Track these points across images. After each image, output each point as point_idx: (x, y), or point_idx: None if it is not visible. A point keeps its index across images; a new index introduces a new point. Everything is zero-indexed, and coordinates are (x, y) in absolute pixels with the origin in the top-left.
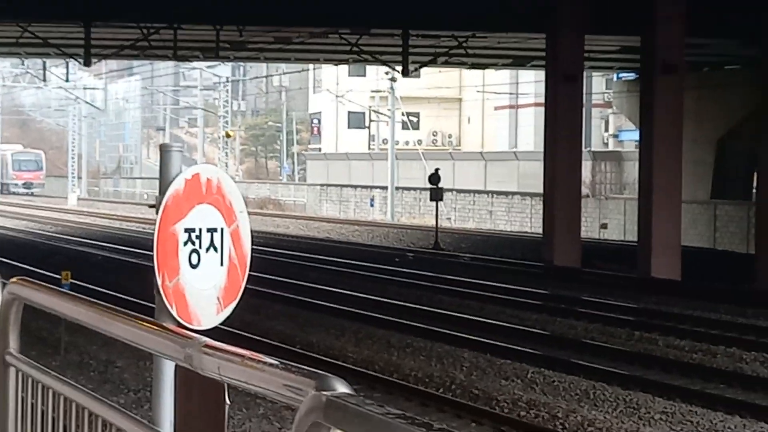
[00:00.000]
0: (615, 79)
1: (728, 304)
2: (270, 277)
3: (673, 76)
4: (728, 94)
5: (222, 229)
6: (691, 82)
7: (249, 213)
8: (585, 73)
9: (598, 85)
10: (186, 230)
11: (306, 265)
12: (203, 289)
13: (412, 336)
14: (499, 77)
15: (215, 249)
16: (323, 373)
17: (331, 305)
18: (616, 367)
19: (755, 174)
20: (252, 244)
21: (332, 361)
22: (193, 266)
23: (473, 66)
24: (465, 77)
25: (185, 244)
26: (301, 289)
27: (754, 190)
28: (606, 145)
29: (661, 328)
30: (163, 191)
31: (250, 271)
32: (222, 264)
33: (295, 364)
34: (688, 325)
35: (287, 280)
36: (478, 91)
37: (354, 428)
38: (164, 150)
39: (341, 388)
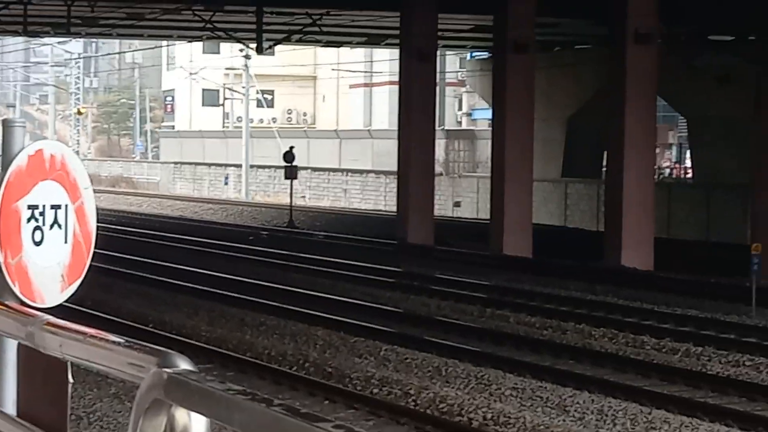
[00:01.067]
0: (468, 58)
1: (578, 281)
2: (122, 255)
3: (525, 55)
4: (579, 73)
5: (66, 206)
6: (542, 61)
7: (101, 191)
8: (439, 52)
9: (452, 64)
10: (29, 207)
11: (159, 244)
12: (47, 266)
13: (265, 314)
14: (354, 55)
15: (59, 226)
16: (165, 350)
17: (185, 284)
18: (467, 343)
19: (605, 152)
20: (99, 222)
21: (185, 340)
22: (37, 243)
23: (328, 44)
24: (320, 55)
25: (28, 221)
26: (153, 267)
27: (604, 169)
28: (459, 123)
29: (513, 305)
30: (5, 167)
31: (98, 248)
32: (66, 241)
33: (137, 342)
34: (539, 302)
35: (140, 259)
36: (333, 69)
37: (195, 405)
38: (6, 125)
39: (183, 365)
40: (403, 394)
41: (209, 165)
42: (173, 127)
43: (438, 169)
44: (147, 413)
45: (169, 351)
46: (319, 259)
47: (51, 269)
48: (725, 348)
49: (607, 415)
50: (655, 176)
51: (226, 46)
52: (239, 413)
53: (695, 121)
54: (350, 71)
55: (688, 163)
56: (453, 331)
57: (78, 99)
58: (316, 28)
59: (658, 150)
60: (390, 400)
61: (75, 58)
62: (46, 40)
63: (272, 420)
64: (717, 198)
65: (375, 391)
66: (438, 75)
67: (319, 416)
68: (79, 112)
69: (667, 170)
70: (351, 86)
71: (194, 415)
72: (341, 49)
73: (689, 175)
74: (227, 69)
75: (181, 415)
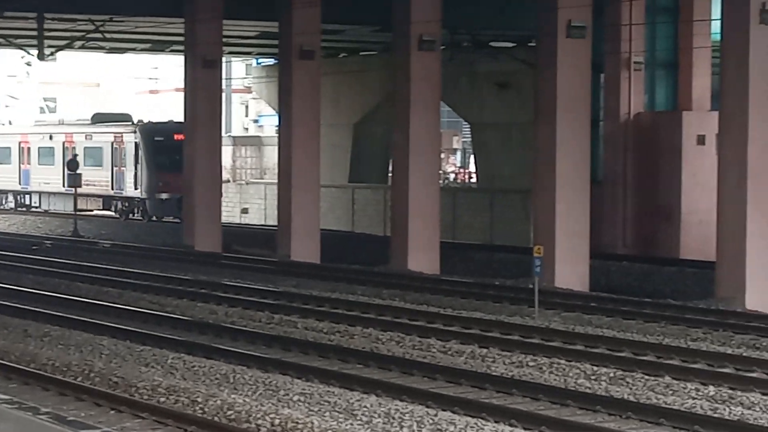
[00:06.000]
0: (255, 64)
1: (365, 286)
2: None
3: (311, 61)
4: (365, 80)
5: None
6: (328, 67)
7: None
8: (225, 59)
9: (238, 70)
10: None
11: None
12: None
13: (49, 324)
14: (141, 62)
15: None
16: None
17: None
18: (255, 350)
19: (391, 158)
20: None
21: None
22: None
23: (111, 50)
24: (108, 62)
25: None
26: None
27: (390, 174)
28: (246, 130)
29: (301, 310)
30: None
31: None
32: None
33: None
34: (327, 307)
35: None
36: (120, 76)
37: None
38: None
39: None
40: (190, 402)
41: None
42: None
43: (225, 175)
44: None
45: None
46: (106, 268)
47: None
48: (509, 349)
49: (394, 418)
50: (440, 181)
51: (7, 52)
52: (4, 422)
53: (478, 127)
54: (135, 77)
55: (473, 167)
56: (241, 338)
57: None
58: (99, 35)
59: (443, 155)
60: (177, 408)
61: None
62: None
63: (39, 428)
64: (500, 202)
65: (162, 399)
66: (224, 81)
67: (86, 424)
68: None
69: (452, 175)
70: (137, 93)
71: None
72: (128, 55)
73: (474, 180)
74: (9, 76)
75: None
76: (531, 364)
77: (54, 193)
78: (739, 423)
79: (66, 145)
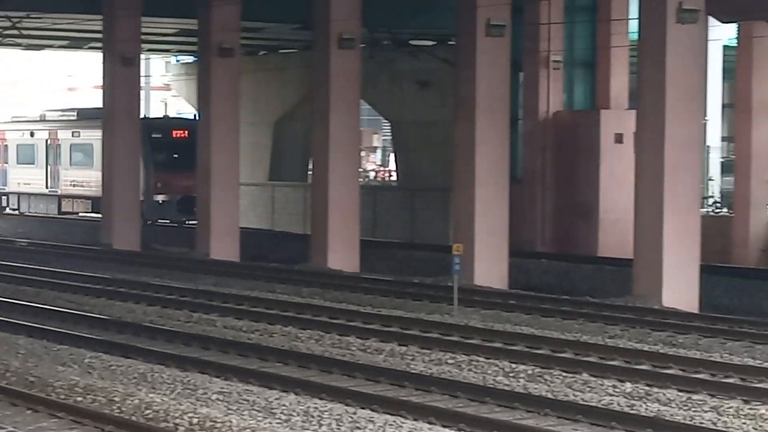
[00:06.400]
0: (174, 62)
1: (285, 284)
2: None
3: (230, 59)
4: (285, 78)
5: None
6: (248, 65)
7: None
8: (144, 56)
9: (157, 68)
10: None
11: None
12: None
13: None
14: (58, 58)
15: None
16: None
17: None
18: (174, 349)
19: (311, 156)
20: None
21: None
22: None
23: (28, 47)
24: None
25: None
26: None
27: (310, 172)
28: None
29: (220, 309)
30: None
31: None
32: None
33: None
34: (247, 306)
35: None
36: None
37: None
38: None
39: None
40: (107, 401)
41: None
42: None
43: None
44: None
45: None
46: (22, 266)
47: None
48: (428, 347)
49: (313, 416)
50: (361, 179)
51: None
52: None
53: (398, 125)
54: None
55: (393, 166)
56: (159, 337)
57: None
58: (16, 32)
59: (363, 153)
60: (94, 407)
61: None
62: None
63: None
64: (420, 200)
65: (79, 399)
66: (143, 79)
67: (1, 424)
68: None
69: (372, 173)
70: (54, 91)
71: None
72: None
73: (394, 178)
74: None
75: None
76: (450, 361)
77: (35, 195)
78: (656, 419)
79: (49, 142)
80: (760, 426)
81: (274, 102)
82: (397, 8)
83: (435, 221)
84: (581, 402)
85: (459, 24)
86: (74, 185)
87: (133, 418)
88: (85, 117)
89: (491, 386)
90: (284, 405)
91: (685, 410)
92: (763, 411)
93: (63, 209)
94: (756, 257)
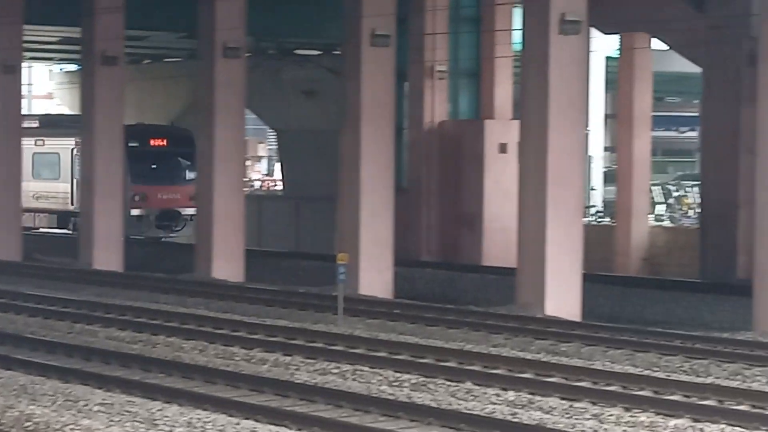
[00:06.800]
0: (57, 70)
1: (169, 294)
2: None
3: (114, 67)
4: (170, 87)
5: None
6: (133, 74)
7: None
8: (26, 64)
9: (40, 76)
10: None
11: None
12: None
13: None
14: None
15: None
16: None
17: None
18: (55, 360)
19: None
20: None
21: None
22: None
23: None
24: None
25: None
26: None
27: None
28: None
29: (103, 319)
30: None
31: None
32: None
33: None
34: (130, 316)
35: None
36: None
37: None
38: None
39: None
40: None
41: None
42: None
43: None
44: None
45: None
46: None
47: None
48: (313, 357)
49: (196, 427)
50: (246, 189)
51: None
52: None
53: (283, 134)
54: None
55: (279, 175)
56: (41, 348)
57: None
58: None
59: (248, 163)
60: None
61: None
62: None
63: None
64: (306, 210)
65: None
66: (25, 87)
67: None
68: None
69: (258, 183)
70: None
71: None
72: None
73: (279, 188)
74: None
75: None
76: (334, 371)
77: None
78: (538, 427)
79: None
80: None
81: (159, 111)
82: (283, 18)
83: (321, 230)
84: (464, 411)
85: (344, 34)
86: (38, 198)
87: (13, 431)
88: (47, 124)
89: (375, 395)
90: (167, 416)
91: (567, 418)
92: (643, 418)
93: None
94: (637, 266)
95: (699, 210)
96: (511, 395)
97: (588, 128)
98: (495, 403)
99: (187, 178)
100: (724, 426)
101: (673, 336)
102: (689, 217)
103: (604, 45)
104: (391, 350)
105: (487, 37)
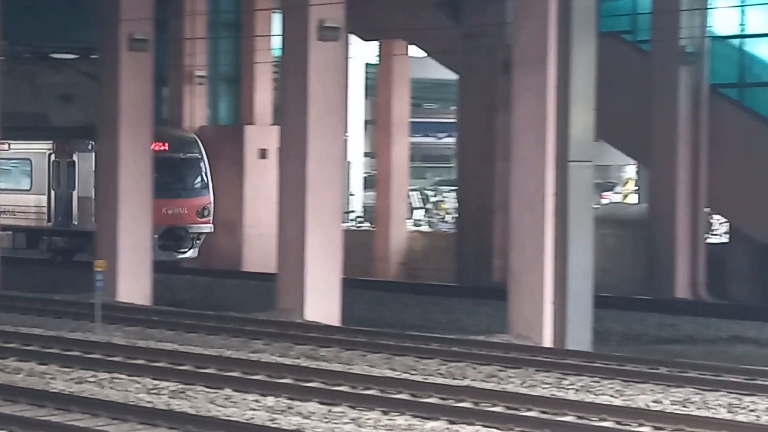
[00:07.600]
0: None
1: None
2: None
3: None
4: None
5: None
6: None
7: None
8: None
9: None
10: None
11: None
12: None
13: None
14: None
15: None
16: None
17: None
18: None
19: None
20: None
21: None
22: None
23: None
24: None
25: None
26: None
27: None
28: None
29: None
30: None
31: None
32: None
33: None
34: None
35: None
36: None
37: None
38: None
39: None
40: None
41: None
42: None
43: None
44: None
45: None
46: None
47: None
48: (70, 365)
49: None
50: None
51: None
52: None
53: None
54: None
55: None
56: None
57: None
58: None
59: None
60: None
61: None
62: None
63: None
64: None
65: None
66: None
67: None
68: None
69: None
70: None
71: None
72: None
73: None
74: None
75: None
76: (91, 379)
77: None
78: None
79: None
80: None
81: None
82: (37, 21)
83: None
84: (223, 417)
85: (102, 38)
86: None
87: None
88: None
89: (133, 403)
90: None
91: (325, 423)
92: (401, 421)
93: None
94: (396, 270)
95: (456, 215)
96: (270, 401)
97: (347, 134)
98: (254, 409)
99: (194, 188)
100: (479, 427)
101: (430, 339)
102: (446, 222)
103: (363, 52)
104: (149, 357)
105: (247, 43)
